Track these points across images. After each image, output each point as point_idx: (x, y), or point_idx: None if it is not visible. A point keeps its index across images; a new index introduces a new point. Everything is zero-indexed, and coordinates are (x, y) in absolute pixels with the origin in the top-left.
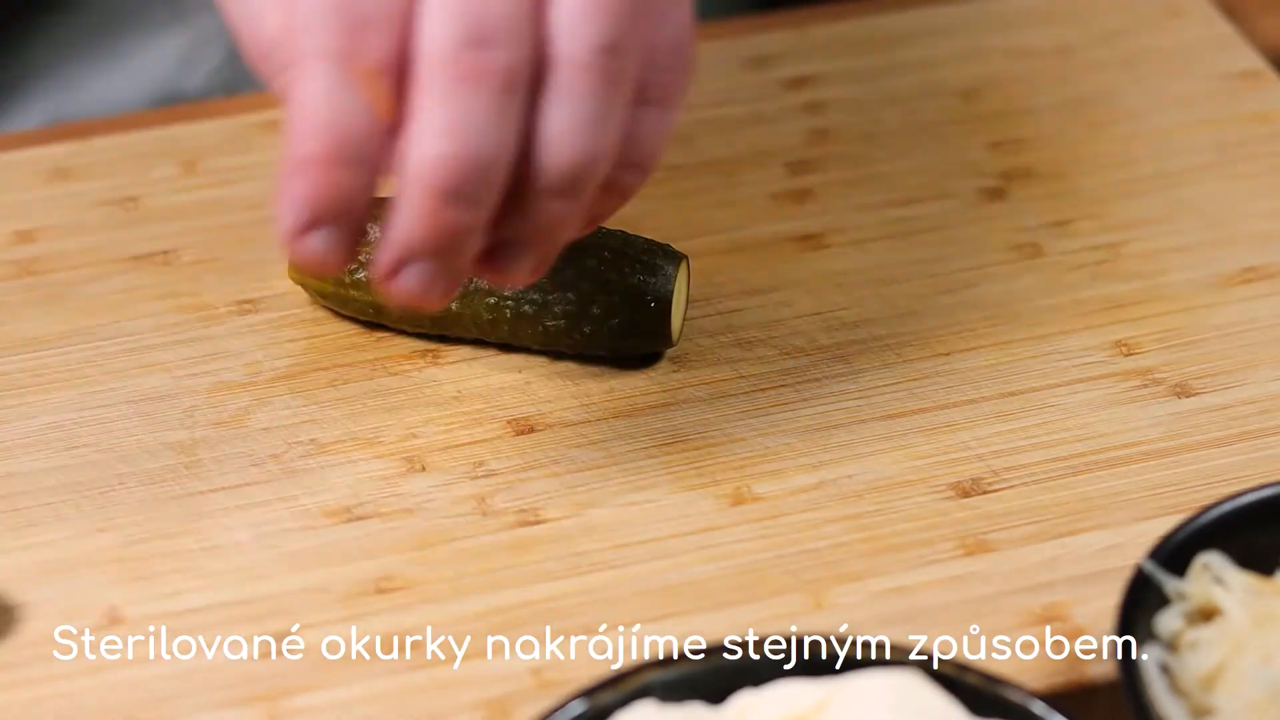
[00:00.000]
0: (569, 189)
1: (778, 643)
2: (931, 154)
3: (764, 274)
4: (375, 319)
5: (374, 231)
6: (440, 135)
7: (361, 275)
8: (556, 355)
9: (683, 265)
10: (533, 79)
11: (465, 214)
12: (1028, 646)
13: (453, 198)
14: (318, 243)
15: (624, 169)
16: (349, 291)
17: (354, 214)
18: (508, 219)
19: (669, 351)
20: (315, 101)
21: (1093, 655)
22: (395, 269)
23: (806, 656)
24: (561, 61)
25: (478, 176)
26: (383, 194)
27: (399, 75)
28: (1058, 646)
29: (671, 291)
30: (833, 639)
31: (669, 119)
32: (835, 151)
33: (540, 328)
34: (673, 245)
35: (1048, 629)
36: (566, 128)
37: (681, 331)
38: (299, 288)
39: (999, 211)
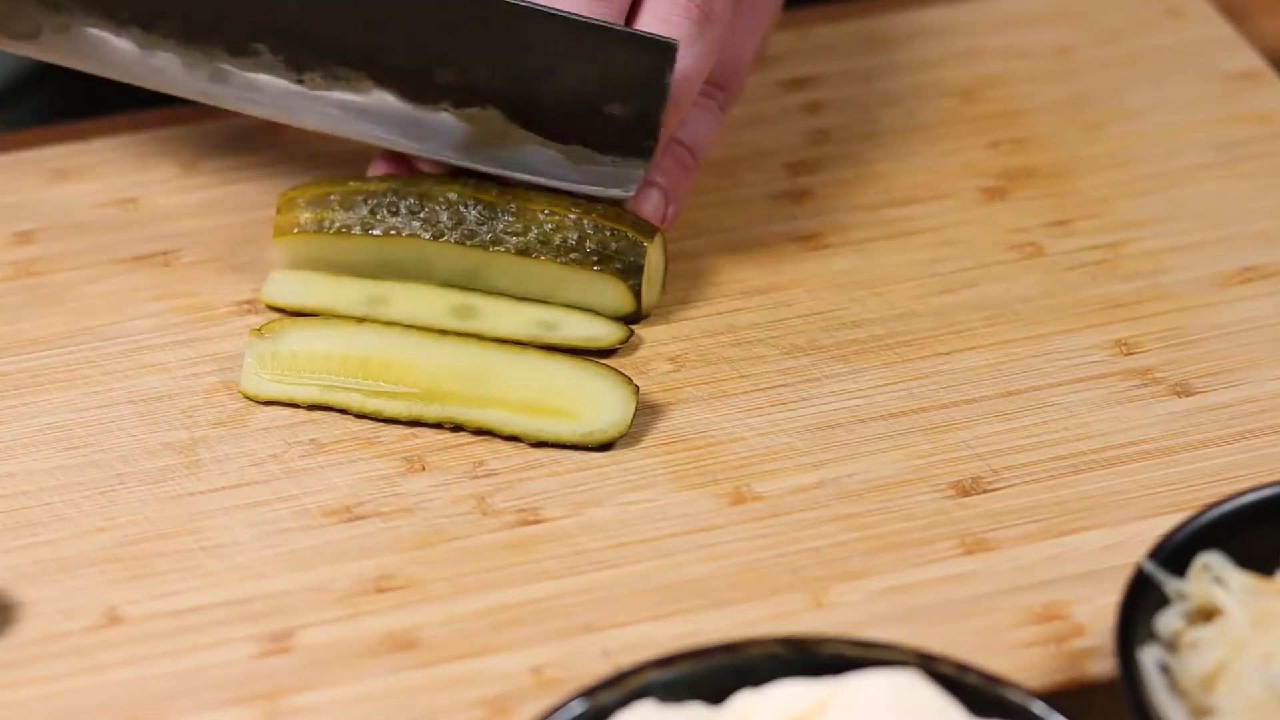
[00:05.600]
0: None
1: (777, 643)
2: (931, 154)
3: (764, 274)
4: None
5: (360, 205)
6: None
7: (343, 227)
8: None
9: (658, 238)
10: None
11: None
12: (1028, 645)
13: None
14: None
15: (682, 144)
16: (330, 248)
17: None
18: None
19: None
20: None
21: (1093, 654)
22: None
23: (806, 657)
24: None
25: None
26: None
27: None
28: (1058, 645)
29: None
30: (832, 639)
31: (719, 119)
32: (835, 152)
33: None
34: (671, 246)
35: (1048, 627)
36: None
37: (653, 306)
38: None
39: (999, 211)
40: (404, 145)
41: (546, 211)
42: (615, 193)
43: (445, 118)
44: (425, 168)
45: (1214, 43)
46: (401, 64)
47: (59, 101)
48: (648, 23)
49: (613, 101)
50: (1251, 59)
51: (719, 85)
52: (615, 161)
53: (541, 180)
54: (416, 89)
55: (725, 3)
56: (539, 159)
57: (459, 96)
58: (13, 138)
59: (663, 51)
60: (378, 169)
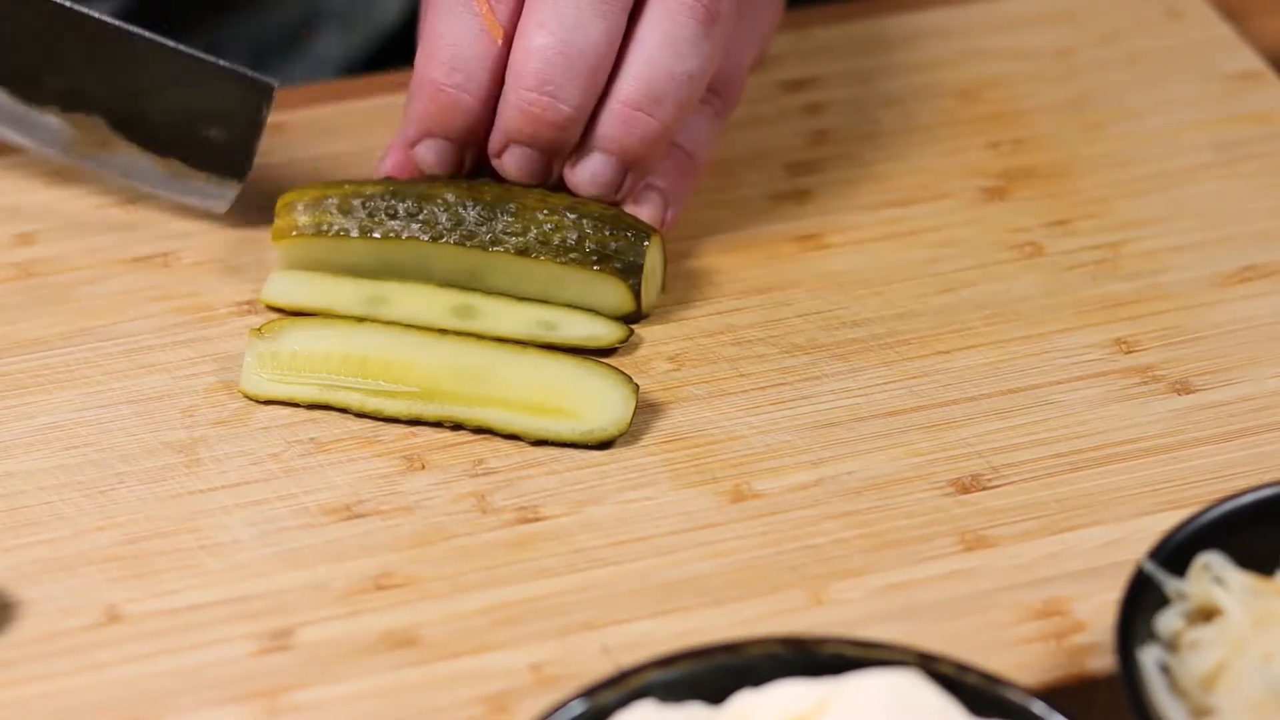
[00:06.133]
0: (648, 101)
1: (777, 642)
2: (930, 155)
3: (764, 274)
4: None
5: (357, 208)
6: (538, 28)
7: (341, 231)
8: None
9: (657, 238)
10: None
11: (554, 103)
12: (1028, 641)
13: (543, 85)
14: (425, 151)
15: (681, 148)
16: (329, 250)
17: (458, 128)
18: (595, 126)
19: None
20: (441, 28)
21: (1093, 650)
22: (499, 150)
23: (806, 656)
24: None
25: (565, 65)
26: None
27: (518, 4)
28: (1058, 641)
29: (651, 235)
30: (832, 639)
31: (718, 126)
32: (834, 152)
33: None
34: (671, 246)
35: (1048, 624)
36: (655, 45)
37: (652, 306)
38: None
39: (999, 211)
40: (13, 139)
41: (545, 211)
42: (210, 204)
43: (51, 119)
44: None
45: (1213, 44)
46: (16, 65)
47: None
48: (654, 20)
49: (212, 127)
50: (1251, 60)
51: (717, 91)
52: (210, 179)
53: (140, 186)
54: (27, 89)
55: (731, 5)
56: (138, 166)
57: (67, 102)
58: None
59: (261, 90)
60: (382, 171)
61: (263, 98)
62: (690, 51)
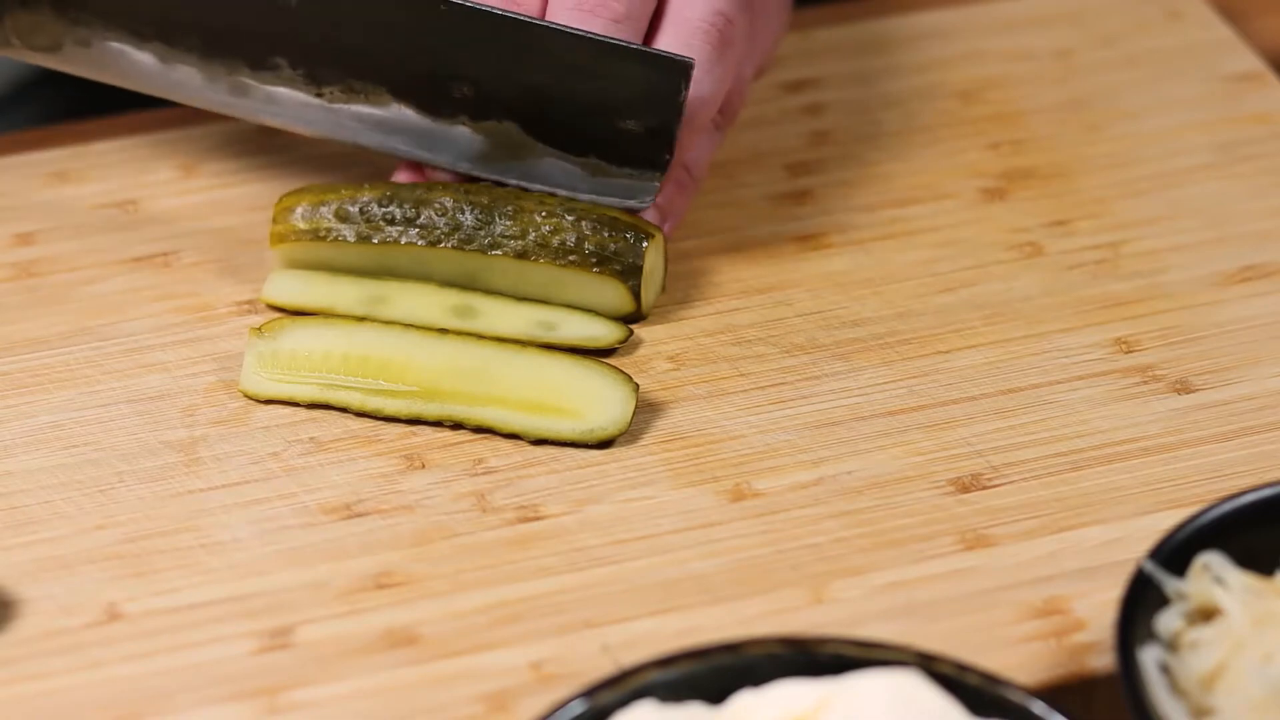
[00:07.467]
0: None
1: (778, 642)
2: (931, 155)
3: (764, 274)
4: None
5: (354, 215)
6: None
7: (339, 237)
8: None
9: (657, 239)
10: (647, 31)
11: None
12: (1028, 640)
13: None
14: None
15: (681, 164)
16: (328, 254)
17: None
18: None
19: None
20: None
21: (1093, 648)
22: None
23: (806, 656)
24: (681, 18)
25: None
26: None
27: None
28: (1058, 639)
29: (650, 236)
30: (832, 639)
31: (718, 139)
32: (835, 153)
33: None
34: (671, 246)
35: (1048, 622)
36: None
37: (652, 306)
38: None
39: (999, 211)
40: (422, 156)
41: (543, 214)
42: (631, 204)
43: (463, 130)
44: (442, 178)
45: (1213, 45)
46: (419, 78)
47: (62, 104)
48: (668, 45)
49: (629, 117)
50: (1250, 61)
51: (720, 107)
52: (630, 175)
53: (558, 191)
54: (434, 102)
55: (743, 27)
56: (555, 171)
57: (476, 110)
58: (14, 139)
59: (679, 70)
60: (398, 178)
61: (680, 77)
62: (704, 77)
